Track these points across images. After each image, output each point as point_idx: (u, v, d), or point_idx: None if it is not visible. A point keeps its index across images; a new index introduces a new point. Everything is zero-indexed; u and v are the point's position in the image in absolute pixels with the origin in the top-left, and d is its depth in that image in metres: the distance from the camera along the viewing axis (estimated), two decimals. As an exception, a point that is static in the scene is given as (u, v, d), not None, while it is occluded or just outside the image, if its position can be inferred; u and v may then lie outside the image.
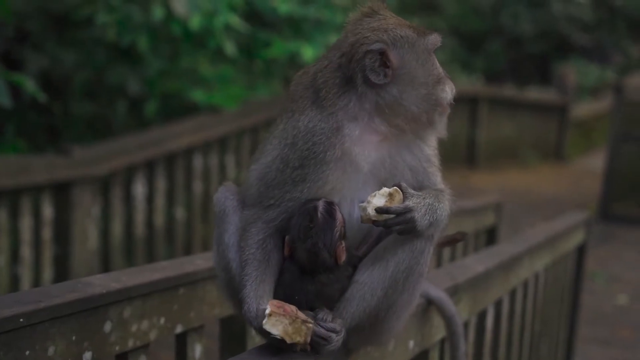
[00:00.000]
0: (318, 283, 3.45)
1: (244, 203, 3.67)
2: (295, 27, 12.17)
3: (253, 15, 11.99)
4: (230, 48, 11.05)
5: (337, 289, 3.49)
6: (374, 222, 3.38)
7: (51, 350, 3.42)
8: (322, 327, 3.35)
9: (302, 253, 3.44)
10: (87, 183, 8.83)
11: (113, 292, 3.70)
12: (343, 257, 3.46)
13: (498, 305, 5.55)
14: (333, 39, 12.83)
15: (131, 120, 11.98)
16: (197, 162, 10.41)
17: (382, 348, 3.97)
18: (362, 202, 3.42)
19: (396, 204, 3.36)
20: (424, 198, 3.44)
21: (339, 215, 3.45)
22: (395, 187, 3.39)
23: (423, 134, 3.63)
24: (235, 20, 10.90)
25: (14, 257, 8.37)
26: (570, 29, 27.35)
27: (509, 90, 22.71)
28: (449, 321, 4.42)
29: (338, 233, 3.43)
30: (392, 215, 3.34)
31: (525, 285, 6.07)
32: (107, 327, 3.70)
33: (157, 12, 10.47)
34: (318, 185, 3.47)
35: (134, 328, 3.86)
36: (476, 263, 5.10)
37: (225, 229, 3.65)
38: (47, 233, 8.58)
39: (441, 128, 3.69)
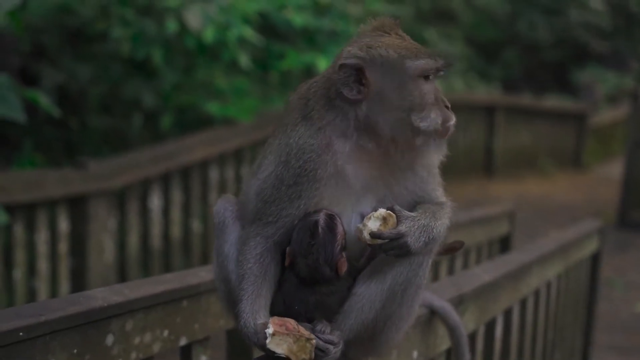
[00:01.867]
0: (318, 294, 3.46)
1: (244, 216, 3.69)
2: (310, 38, 12.19)
3: (267, 28, 12.02)
4: (244, 60, 11.10)
5: (337, 300, 3.49)
6: (369, 246, 3.41)
7: (52, 364, 3.45)
8: (320, 338, 3.36)
9: (303, 267, 3.45)
10: (103, 196, 8.88)
11: (114, 305, 3.71)
12: (344, 269, 3.47)
13: (508, 314, 5.53)
14: (348, 49, 12.88)
15: (147, 134, 12.04)
16: (213, 174, 10.44)
17: (384, 359, 3.97)
18: (360, 223, 3.42)
19: (390, 227, 3.36)
20: (418, 220, 3.42)
21: (339, 229, 3.45)
22: (388, 211, 3.38)
23: (409, 156, 3.55)
24: (249, 33, 10.94)
25: (31, 270, 8.42)
26: (587, 36, 27.28)
27: (526, 99, 22.65)
28: (453, 331, 4.42)
29: (339, 247, 3.44)
30: (386, 240, 3.35)
31: (536, 294, 6.06)
32: (109, 340, 3.71)
33: (171, 26, 10.53)
34: (314, 201, 3.48)
35: (136, 341, 3.88)
36: (483, 272, 5.09)
37: (225, 240, 3.67)
38: (63, 246, 8.63)
39: (430, 153, 3.59)
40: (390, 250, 3.37)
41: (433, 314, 4.36)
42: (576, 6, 27.27)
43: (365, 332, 3.52)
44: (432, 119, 3.47)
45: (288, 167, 3.50)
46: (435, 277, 6.41)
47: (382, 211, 3.38)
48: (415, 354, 4.26)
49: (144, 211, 9.73)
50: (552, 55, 27.59)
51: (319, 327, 3.40)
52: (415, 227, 3.39)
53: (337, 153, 3.46)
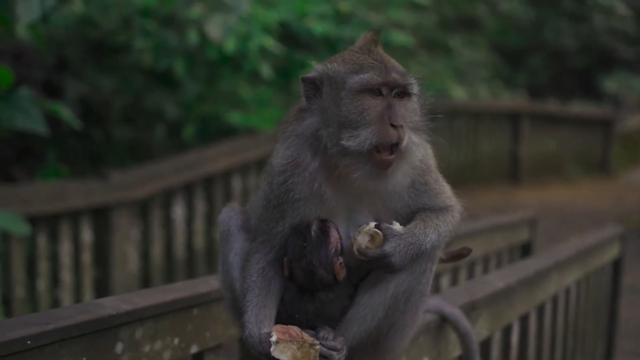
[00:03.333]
0: (317, 302, 3.48)
1: (248, 226, 3.73)
2: (331, 47, 12.21)
3: (288, 37, 12.06)
4: (265, 70, 11.15)
5: (338, 308, 3.51)
6: (358, 260, 3.42)
7: (60, 372, 3.48)
8: (323, 345, 3.38)
9: (298, 272, 3.48)
10: (125, 207, 8.94)
11: (123, 313, 3.74)
12: (342, 274, 3.48)
13: (524, 320, 5.52)
14: (370, 58, 12.90)
15: (170, 144, 12.10)
16: (236, 183, 10.48)
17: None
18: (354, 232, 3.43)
19: (377, 244, 3.36)
20: (405, 238, 3.40)
21: (333, 233, 3.47)
22: (375, 230, 3.37)
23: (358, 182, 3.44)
24: (270, 43, 10.99)
25: (54, 281, 8.48)
26: (613, 42, 27.14)
27: (551, 105, 22.57)
28: (463, 338, 4.42)
29: (333, 250, 3.45)
30: (365, 258, 3.37)
31: (555, 300, 6.04)
32: (119, 348, 3.74)
33: (192, 37, 10.60)
34: (298, 219, 3.52)
35: (146, 349, 3.90)
36: (496, 279, 5.09)
37: (230, 248, 3.71)
38: (86, 257, 8.69)
39: (360, 177, 3.40)
40: (376, 267, 3.40)
41: (444, 320, 4.36)
42: (601, 12, 27.14)
43: (368, 340, 3.54)
44: (360, 138, 3.33)
45: (272, 188, 3.56)
46: (454, 284, 6.41)
47: (370, 227, 3.38)
48: (425, 360, 4.27)
49: (167, 221, 9.78)
50: (578, 62, 27.46)
51: (322, 334, 3.42)
52: (402, 245, 3.38)
53: (306, 172, 3.47)
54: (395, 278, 3.49)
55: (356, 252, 3.36)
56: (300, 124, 3.53)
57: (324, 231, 3.45)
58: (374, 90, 3.37)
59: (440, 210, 3.61)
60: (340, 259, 3.48)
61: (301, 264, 3.46)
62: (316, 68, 3.48)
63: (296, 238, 3.48)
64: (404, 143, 3.36)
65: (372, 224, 3.39)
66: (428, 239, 3.47)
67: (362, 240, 3.35)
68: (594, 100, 26.24)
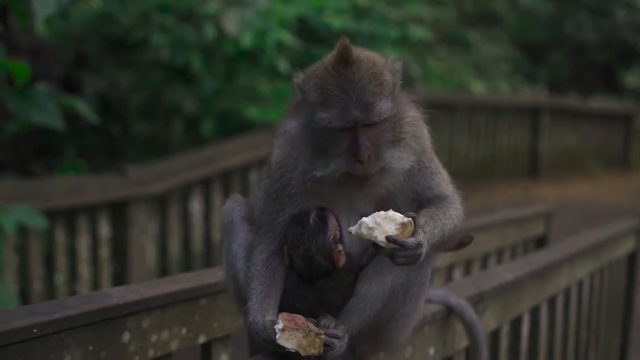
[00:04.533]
0: (318, 289, 3.50)
1: (251, 217, 3.77)
2: (349, 42, 12.23)
3: (306, 32, 12.08)
4: (283, 65, 11.17)
5: (339, 296, 3.52)
6: (375, 247, 3.36)
7: (67, 360, 3.54)
8: (325, 333, 3.39)
9: (297, 260, 3.50)
10: (143, 201, 9.00)
11: (130, 303, 3.78)
12: (342, 261, 3.49)
13: (535, 313, 5.53)
14: (388, 53, 12.91)
15: (188, 139, 12.15)
16: (253, 178, 10.51)
17: (398, 355, 4.01)
18: (368, 220, 3.34)
19: (407, 235, 3.32)
20: (432, 229, 3.43)
21: (331, 220, 3.49)
22: (409, 219, 3.34)
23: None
24: (288, 37, 11.02)
25: (73, 275, 8.55)
26: (635, 36, 27.01)
27: (571, 100, 22.48)
28: (470, 329, 4.43)
29: (332, 237, 3.47)
30: (399, 248, 3.31)
31: (567, 293, 6.04)
32: (126, 337, 3.78)
33: (210, 32, 10.64)
34: (298, 210, 3.57)
35: (153, 338, 3.94)
36: (505, 271, 5.09)
37: (233, 239, 3.74)
38: (104, 251, 8.76)
39: (345, 188, 3.48)
40: (401, 257, 3.33)
41: (450, 311, 4.38)
42: (623, 6, 27.02)
43: (369, 329, 3.56)
44: (330, 169, 3.41)
45: (271, 183, 3.61)
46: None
47: (399, 216, 3.33)
48: (431, 351, 4.28)
49: (185, 216, 9.83)
50: (599, 56, 27.34)
51: (323, 322, 3.43)
52: (430, 237, 3.40)
53: (296, 172, 3.52)
54: (392, 271, 3.51)
55: (380, 239, 3.29)
56: (290, 123, 3.59)
57: (322, 219, 3.48)
58: (340, 127, 3.37)
59: (443, 202, 3.61)
60: (340, 247, 3.50)
61: (299, 251, 3.48)
62: (299, 78, 3.51)
63: (295, 225, 3.50)
64: (373, 172, 3.38)
65: (399, 216, 3.33)
66: (447, 224, 3.52)
67: (389, 227, 3.30)
68: (614, 95, 26.13)
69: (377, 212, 3.34)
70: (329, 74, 3.39)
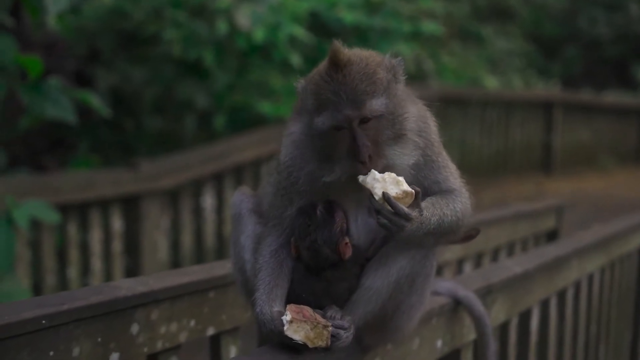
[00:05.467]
0: (324, 281, 3.51)
1: (260, 209, 3.79)
2: (362, 36, 12.25)
3: (318, 26, 12.09)
4: (295, 59, 11.19)
5: (345, 287, 3.53)
6: (370, 199, 3.34)
7: (76, 351, 3.53)
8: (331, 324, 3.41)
9: (304, 251, 3.51)
10: (155, 196, 9.04)
11: (139, 295, 3.79)
12: (348, 253, 3.50)
13: (544, 306, 5.53)
14: (400, 48, 12.92)
15: (201, 134, 12.18)
16: (265, 172, 10.51)
17: (405, 347, 4.02)
18: (369, 211, 3.38)
19: (404, 202, 3.32)
20: (430, 215, 3.42)
21: (338, 212, 3.50)
22: (412, 190, 3.33)
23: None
24: (300, 32, 11.03)
25: (85, 269, 8.59)
26: (649, 31, 26.94)
27: (585, 95, 22.40)
28: (477, 321, 4.44)
29: (338, 229, 3.47)
30: (389, 209, 3.31)
31: (577, 286, 6.04)
32: (135, 329, 3.80)
33: (222, 27, 10.66)
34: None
35: (162, 330, 3.95)
36: (514, 264, 5.09)
37: (242, 231, 3.75)
38: (117, 245, 8.79)
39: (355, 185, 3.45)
40: (385, 218, 3.31)
41: (458, 304, 4.38)
42: (636, 1, 26.94)
43: (374, 320, 3.56)
44: (336, 173, 3.44)
45: (281, 179, 3.63)
46: (478, 271, 6.42)
47: (405, 184, 3.33)
48: (439, 343, 4.29)
49: (197, 210, 9.86)
50: (613, 51, 27.26)
51: (329, 313, 3.44)
52: (421, 221, 3.37)
53: (303, 171, 3.54)
54: (397, 263, 3.51)
55: (377, 192, 3.30)
56: (294, 126, 3.61)
57: (329, 211, 3.49)
58: (335, 127, 3.38)
59: (449, 195, 3.61)
60: (346, 239, 3.51)
61: (306, 242, 3.49)
62: (300, 84, 3.52)
63: (302, 217, 3.52)
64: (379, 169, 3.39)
65: (406, 185, 3.32)
66: (448, 216, 3.51)
67: (391, 188, 3.30)
68: (628, 89, 26.04)
69: (389, 172, 3.35)
70: (322, 80, 3.39)
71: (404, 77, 3.57)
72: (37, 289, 8.07)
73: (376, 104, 3.37)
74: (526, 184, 18.02)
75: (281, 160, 3.62)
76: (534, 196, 16.01)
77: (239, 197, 3.84)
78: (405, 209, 3.32)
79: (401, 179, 3.34)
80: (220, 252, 10.00)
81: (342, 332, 3.40)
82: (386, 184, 3.32)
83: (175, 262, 9.56)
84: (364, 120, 3.36)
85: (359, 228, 3.53)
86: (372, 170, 3.34)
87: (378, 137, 3.39)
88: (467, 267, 6.46)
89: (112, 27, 11.86)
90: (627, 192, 18.63)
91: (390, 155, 3.42)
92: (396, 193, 3.31)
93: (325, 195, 3.54)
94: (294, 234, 3.54)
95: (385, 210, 3.32)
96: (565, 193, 16.99)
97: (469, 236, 3.94)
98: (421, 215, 3.37)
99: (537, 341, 5.53)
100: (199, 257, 9.83)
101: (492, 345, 4.44)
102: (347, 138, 3.37)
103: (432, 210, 3.45)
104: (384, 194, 3.30)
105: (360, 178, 3.36)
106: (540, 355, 5.61)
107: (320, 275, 3.52)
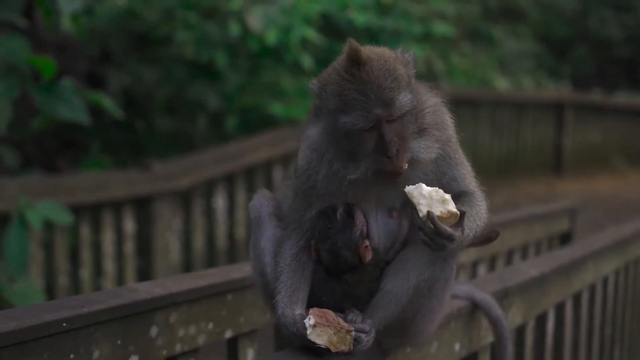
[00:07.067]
0: (345, 284, 3.51)
1: (279, 212, 3.79)
2: (373, 38, 12.24)
3: (329, 28, 12.09)
4: (307, 61, 11.19)
5: (365, 290, 3.53)
6: (413, 214, 3.34)
7: (96, 354, 3.55)
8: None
9: (324, 254, 3.51)
10: (167, 197, 9.04)
11: (157, 298, 3.81)
12: (368, 257, 3.49)
13: (560, 309, 5.52)
14: (412, 49, 12.92)
15: (212, 135, 12.19)
16: (277, 174, 10.54)
17: (424, 350, 4.02)
18: (390, 211, 3.43)
19: (447, 222, 3.31)
20: (469, 232, 3.43)
21: (359, 215, 3.49)
22: (457, 211, 3.32)
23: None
24: (311, 34, 11.03)
25: (97, 270, 8.59)
26: (659, 32, 26.88)
27: (595, 95, 22.36)
28: (495, 324, 4.43)
29: (358, 232, 3.47)
30: (432, 227, 3.29)
31: (592, 289, 6.03)
32: (153, 331, 3.81)
33: (234, 29, 10.66)
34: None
35: (181, 333, 3.97)
36: (530, 267, 5.09)
37: (262, 234, 3.75)
38: (129, 246, 8.80)
39: (378, 186, 3.50)
40: (427, 237, 3.31)
41: (475, 307, 4.37)
42: (647, 1, 26.90)
43: (394, 324, 3.56)
44: (361, 169, 3.41)
45: (299, 182, 3.62)
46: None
47: (452, 204, 3.31)
48: (457, 346, 4.28)
49: (209, 211, 9.87)
50: (623, 52, 27.21)
51: (350, 317, 3.43)
52: (462, 238, 3.38)
53: (321, 174, 3.53)
54: (416, 268, 3.50)
55: (423, 209, 3.28)
56: (312, 128, 3.59)
57: (349, 214, 3.49)
58: (365, 127, 3.37)
59: (475, 202, 3.60)
60: (367, 242, 3.50)
61: (326, 245, 3.49)
62: (314, 85, 3.50)
63: (322, 220, 3.51)
64: (403, 165, 3.38)
65: (453, 205, 3.31)
66: (478, 224, 3.54)
67: (436, 207, 3.28)
68: (639, 90, 25.99)
69: (437, 188, 3.32)
70: (344, 79, 3.37)
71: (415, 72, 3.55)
72: (49, 290, 8.08)
73: (404, 101, 3.36)
74: (537, 185, 17.99)
75: (299, 164, 3.61)
76: (545, 197, 15.99)
77: (259, 201, 3.83)
78: (449, 230, 3.30)
79: (448, 197, 3.32)
80: (232, 254, 10.00)
81: (363, 335, 3.39)
82: (432, 201, 3.30)
83: (187, 264, 9.56)
84: (392, 119, 3.35)
85: (379, 231, 3.53)
86: (421, 184, 3.33)
87: (403, 133, 3.39)
88: (482, 270, 6.46)
89: (124, 28, 11.88)
90: (638, 192, 18.59)
91: (415, 149, 3.43)
92: (441, 212, 3.29)
93: (346, 197, 3.52)
94: (314, 237, 3.53)
95: (428, 229, 3.30)
96: (576, 194, 16.97)
97: (489, 238, 3.92)
98: (462, 234, 3.36)
99: (553, 344, 5.52)
100: (211, 258, 9.83)
101: (510, 349, 4.43)
102: (373, 135, 3.36)
103: (470, 225, 3.45)
104: (428, 212, 3.28)
105: (407, 189, 3.34)
106: (556, 358, 5.60)
107: (340, 279, 3.51)
